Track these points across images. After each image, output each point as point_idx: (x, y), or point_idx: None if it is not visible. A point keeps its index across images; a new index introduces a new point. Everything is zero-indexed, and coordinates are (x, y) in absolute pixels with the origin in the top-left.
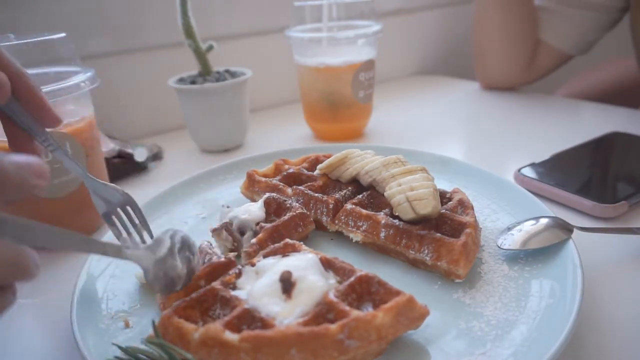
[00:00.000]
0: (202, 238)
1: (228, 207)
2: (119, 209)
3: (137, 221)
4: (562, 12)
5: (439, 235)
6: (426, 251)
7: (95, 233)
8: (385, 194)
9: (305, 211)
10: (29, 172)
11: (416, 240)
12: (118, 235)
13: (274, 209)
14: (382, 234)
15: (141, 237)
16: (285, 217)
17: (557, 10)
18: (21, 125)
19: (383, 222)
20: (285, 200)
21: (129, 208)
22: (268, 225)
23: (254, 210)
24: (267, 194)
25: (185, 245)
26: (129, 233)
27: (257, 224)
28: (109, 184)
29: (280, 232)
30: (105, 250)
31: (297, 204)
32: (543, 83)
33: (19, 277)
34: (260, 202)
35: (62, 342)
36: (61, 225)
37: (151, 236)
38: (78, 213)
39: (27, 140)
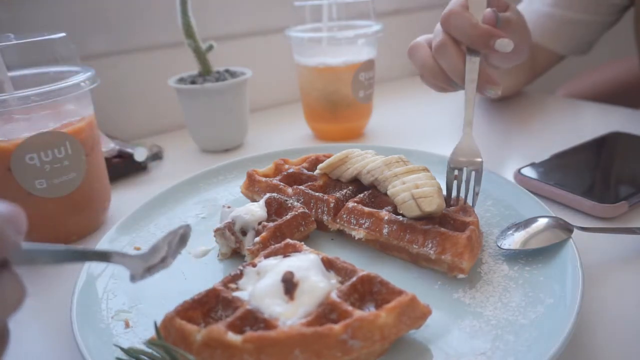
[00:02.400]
0: (202, 238)
1: (229, 207)
2: None
3: None
4: (561, 15)
5: (444, 230)
6: (430, 245)
7: (96, 233)
8: (388, 192)
9: (307, 210)
10: (12, 228)
11: (420, 234)
12: None
13: (275, 208)
14: (385, 230)
15: None
16: (288, 217)
17: (556, 13)
18: None
19: (386, 218)
20: (287, 200)
21: None
22: (271, 224)
23: (255, 210)
24: (268, 194)
25: (181, 242)
26: None
27: (260, 223)
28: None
29: (282, 231)
30: (95, 257)
31: (298, 204)
32: (543, 83)
33: (14, 311)
34: (262, 202)
35: (62, 342)
36: (61, 225)
37: None
38: (78, 213)
39: None
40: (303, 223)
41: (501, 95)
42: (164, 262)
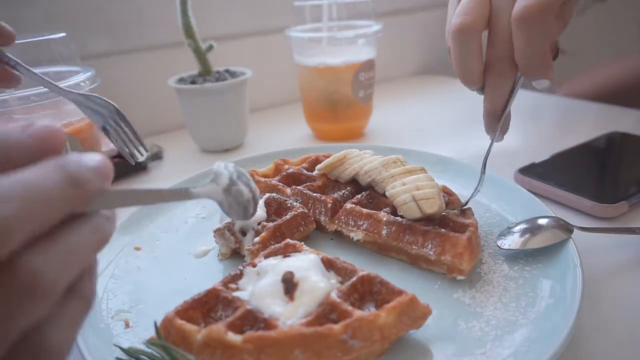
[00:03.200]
0: (202, 238)
1: None
2: (111, 121)
3: (130, 136)
4: None
5: (444, 231)
6: (430, 246)
7: None
8: (387, 193)
9: (306, 210)
10: (103, 178)
11: (420, 235)
12: (122, 148)
13: (274, 208)
14: (384, 232)
15: (137, 148)
16: (287, 217)
17: None
18: None
19: (385, 219)
20: (286, 200)
21: (118, 118)
22: (270, 224)
23: None
24: (268, 194)
25: (239, 172)
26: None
27: (259, 223)
28: (91, 94)
29: (282, 231)
30: (173, 196)
31: (297, 204)
32: None
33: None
34: (261, 202)
35: None
36: None
37: (145, 148)
38: None
39: None
40: (303, 223)
41: None
42: (234, 183)
